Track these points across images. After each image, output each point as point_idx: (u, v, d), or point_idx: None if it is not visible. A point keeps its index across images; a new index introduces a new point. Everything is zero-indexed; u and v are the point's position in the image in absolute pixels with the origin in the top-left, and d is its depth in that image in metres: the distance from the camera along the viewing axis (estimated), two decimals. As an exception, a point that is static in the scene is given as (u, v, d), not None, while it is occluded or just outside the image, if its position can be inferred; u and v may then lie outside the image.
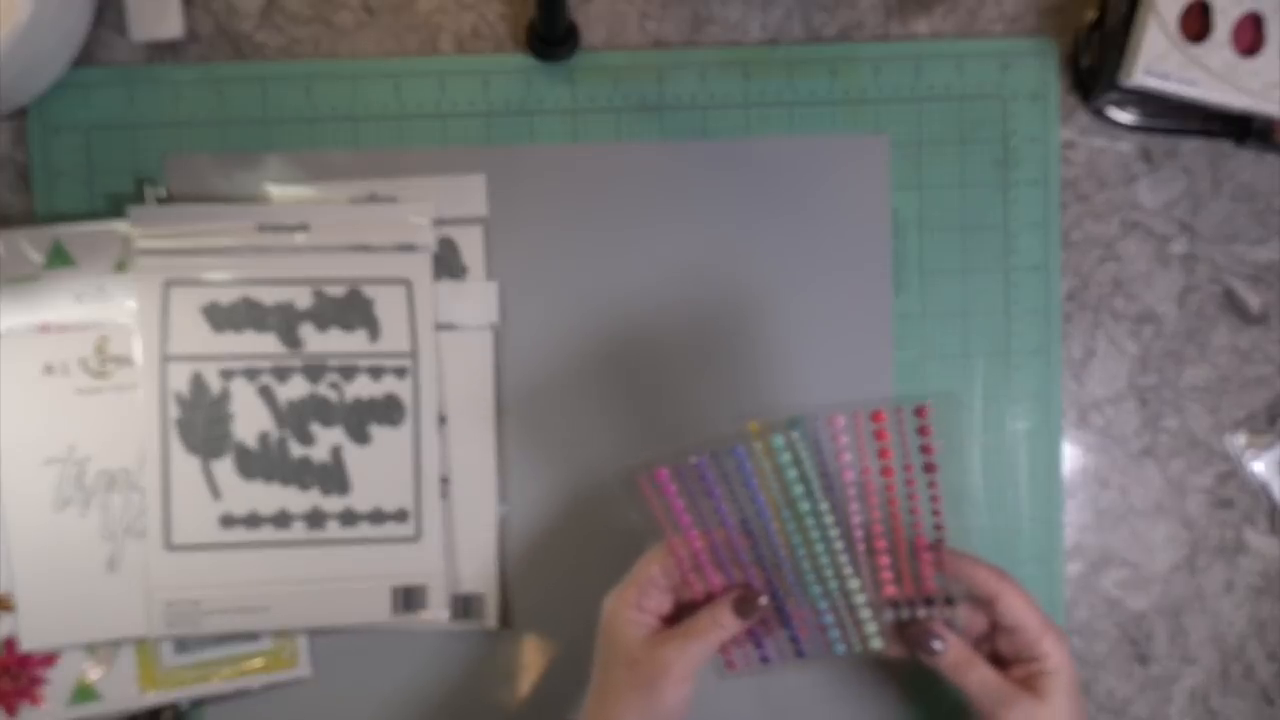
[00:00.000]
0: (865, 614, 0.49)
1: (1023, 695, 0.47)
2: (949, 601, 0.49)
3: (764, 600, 0.49)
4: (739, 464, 0.47)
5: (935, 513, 0.49)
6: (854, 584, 0.49)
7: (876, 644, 0.50)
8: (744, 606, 0.49)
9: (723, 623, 0.49)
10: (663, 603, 0.50)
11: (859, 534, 0.49)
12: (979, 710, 0.48)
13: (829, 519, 0.48)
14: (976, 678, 0.48)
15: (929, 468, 0.48)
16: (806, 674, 0.57)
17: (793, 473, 0.47)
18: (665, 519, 0.49)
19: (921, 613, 0.49)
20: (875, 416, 0.47)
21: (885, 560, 0.49)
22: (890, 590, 0.49)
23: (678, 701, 0.48)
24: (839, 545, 0.48)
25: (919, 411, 0.47)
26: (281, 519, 0.55)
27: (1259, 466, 0.58)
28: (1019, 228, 0.57)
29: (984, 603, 0.49)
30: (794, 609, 0.50)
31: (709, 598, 0.50)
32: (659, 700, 0.47)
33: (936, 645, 0.48)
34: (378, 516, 0.55)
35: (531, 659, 0.57)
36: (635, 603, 0.49)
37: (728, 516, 0.49)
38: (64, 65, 0.55)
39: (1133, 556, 0.58)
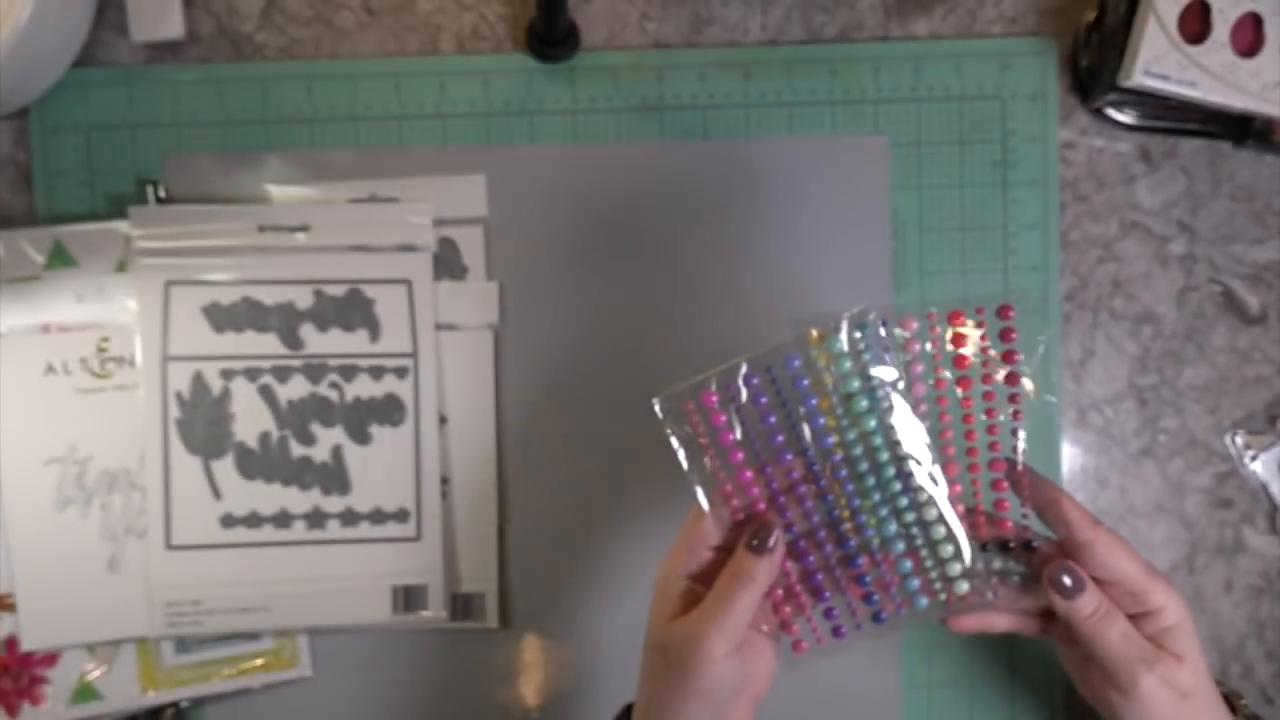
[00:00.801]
0: (948, 550, 0.42)
1: (1164, 655, 0.41)
2: (1028, 546, 0.43)
3: (777, 533, 0.42)
4: (794, 378, 0.41)
5: (1014, 432, 0.42)
6: (932, 513, 0.42)
7: (963, 587, 0.43)
8: (759, 540, 0.41)
9: (747, 570, 0.41)
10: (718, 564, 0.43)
11: (928, 458, 0.42)
12: (1110, 672, 0.42)
13: (899, 435, 0.41)
14: (1119, 632, 0.42)
15: (1011, 378, 0.41)
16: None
17: (855, 383, 0.41)
18: (713, 450, 0.42)
19: (997, 563, 0.43)
20: (954, 318, 0.41)
21: (959, 490, 0.43)
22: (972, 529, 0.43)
23: (725, 683, 0.41)
24: (912, 468, 0.41)
25: (1002, 311, 0.41)
26: (282, 519, 0.55)
27: (1258, 466, 0.58)
28: (1018, 228, 0.57)
29: (1073, 549, 0.42)
30: (865, 559, 0.43)
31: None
32: (697, 685, 0.40)
33: (1067, 581, 0.41)
34: (378, 516, 0.55)
35: (531, 659, 0.57)
36: (684, 568, 0.43)
37: (781, 442, 0.42)
38: (65, 66, 0.55)
39: (1132, 556, 0.58)
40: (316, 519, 0.55)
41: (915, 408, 0.42)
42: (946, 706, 0.57)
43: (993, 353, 0.42)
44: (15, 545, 0.54)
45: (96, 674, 0.55)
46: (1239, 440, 0.58)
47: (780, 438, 0.43)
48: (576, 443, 0.57)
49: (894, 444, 0.42)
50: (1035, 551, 0.43)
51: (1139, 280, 0.58)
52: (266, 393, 0.55)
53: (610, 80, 0.56)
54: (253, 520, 0.55)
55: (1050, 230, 0.57)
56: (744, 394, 0.42)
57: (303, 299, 0.55)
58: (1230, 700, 0.46)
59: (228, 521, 0.55)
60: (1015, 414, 0.42)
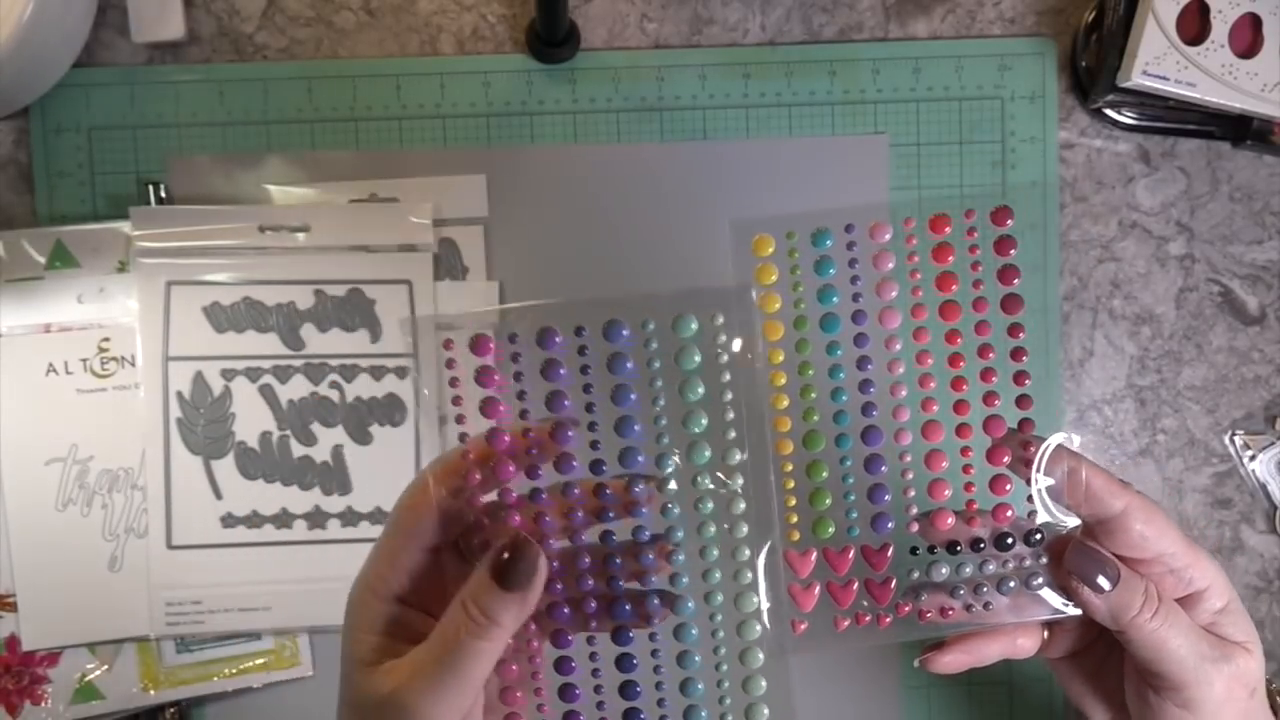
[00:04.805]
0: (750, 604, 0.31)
1: (1232, 648, 0.33)
2: (1032, 539, 0.32)
3: (541, 561, 0.30)
4: (618, 354, 0.32)
5: (1018, 378, 0.32)
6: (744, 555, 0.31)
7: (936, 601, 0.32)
8: (511, 567, 0.29)
9: (487, 609, 0.29)
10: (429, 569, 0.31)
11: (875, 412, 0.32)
12: (1172, 680, 0.33)
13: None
14: (1183, 630, 0.33)
15: (1010, 303, 0.32)
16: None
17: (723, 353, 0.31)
18: (468, 408, 0.32)
19: (991, 567, 0.33)
20: (936, 224, 0.33)
21: (944, 465, 0.34)
22: (945, 522, 0.33)
23: None
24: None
25: (998, 215, 0.33)
26: (283, 519, 0.55)
27: (1257, 466, 0.58)
28: (1017, 228, 0.57)
29: (1102, 526, 0.33)
30: (630, 609, 0.31)
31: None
32: None
33: (1099, 577, 0.32)
34: (379, 516, 0.55)
35: (532, 658, 0.57)
36: (380, 583, 0.32)
37: (568, 409, 0.32)
38: (65, 66, 0.55)
39: (1131, 556, 0.58)
40: (317, 519, 0.55)
41: (887, 344, 0.33)
42: (947, 706, 0.57)
43: (984, 269, 0.33)
44: (16, 545, 0.54)
45: (97, 673, 0.55)
46: (1238, 440, 0.58)
47: (567, 403, 0.32)
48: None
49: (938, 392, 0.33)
50: (1041, 541, 0.33)
51: (1138, 280, 0.58)
52: (267, 393, 0.55)
53: (610, 80, 0.56)
54: (253, 520, 0.55)
55: (1049, 230, 0.57)
56: (536, 354, 0.32)
57: (303, 299, 0.55)
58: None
59: (228, 521, 0.55)
60: (1016, 352, 0.32)
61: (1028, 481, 0.34)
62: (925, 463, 0.35)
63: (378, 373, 0.55)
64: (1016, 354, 0.34)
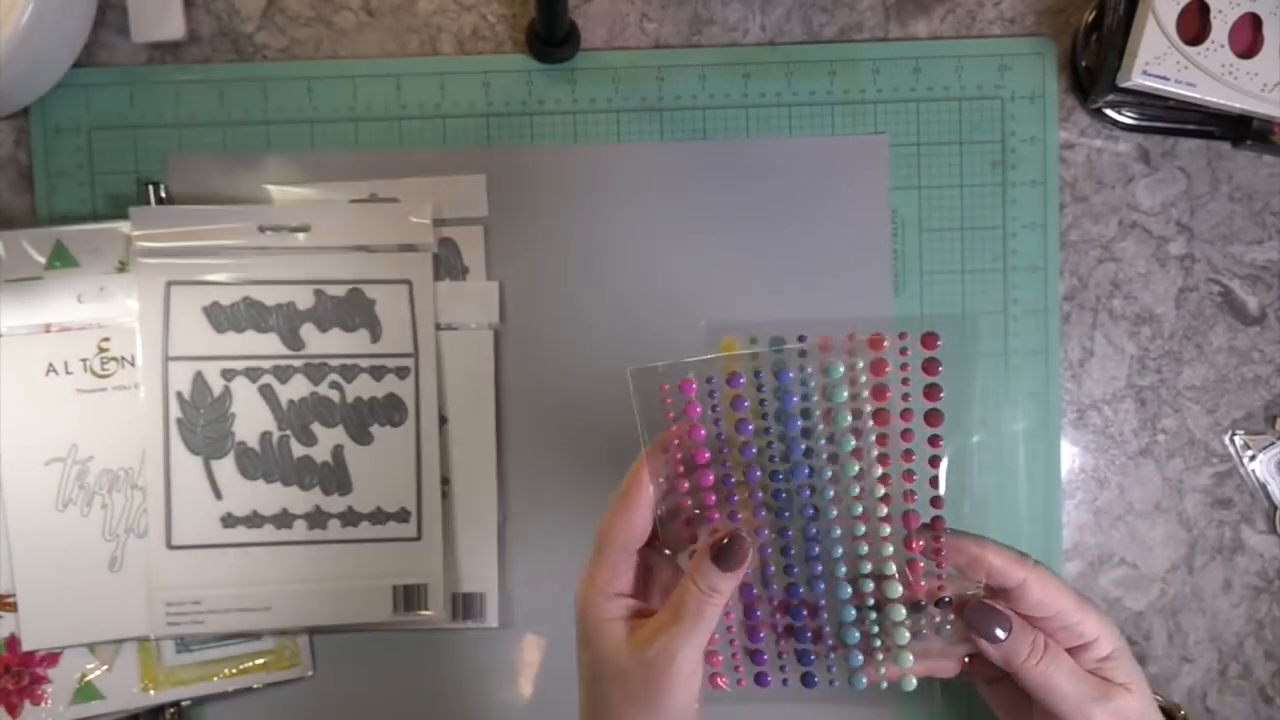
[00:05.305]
0: (899, 615, 0.41)
1: (1113, 688, 0.40)
2: (943, 602, 0.41)
3: (752, 551, 0.39)
4: (785, 390, 0.40)
5: (933, 482, 0.39)
6: (890, 570, 0.40)
7: (906, 659, 0.41)
8: (727, 553, 0.39)
9: (710, 584, 0.39)
10: (634, 574, 0.41)
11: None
12: (1060, 714, 0.41)
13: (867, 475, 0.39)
14: (1067, 671, 0.40)
15: (932, 418, 0.39)
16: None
17: (845, 406, 0.39)
18: (679, 439, 0.40)
19: (911, 621, 0.41)
20: (873, 342, 0.38)
21: (868, 546, 0.41)
22: (877, 590, 0.41)
23: (692, 705, 0.39)
24: (877, 513, 0.39)
25: (926, 339, 0.38)
26: (283, 519, 0.55)
27: (1257, 466, 0.58)
28: (1017, 228, 0.57)
29: (1004, 593, 0.41)
30: (807, 615, 0.41)
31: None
32: (672, 704, 0.38)
33: (996, 631, 0.39)
34: (379, 516, 0.55)
35: (531, 659, 0.57)
36: (608, 586, 0.40)
37: (753, 454, 0.40)
38: (65, 66, 0.55)
39: (1131, 556, 0.58)
40: (317, 519, 0.55)
41: (822, 445, 0.40)
42: (946, 706, 0.57)
43: (913, 386, 0.39)
44: (16, 545, 0.54)
45: (97, 673, 0.55)
46: (1238, 440, 0.58)
47: (753, 450, 0.40)
48: (577, 442, 0.57)
49: (867, 483, 0.40)
50: (949, 604, 0.41)
51: (1138, 280, 0.58)
52: (267, 393, 0.55)
53: (610, 80, 0.56)
54: (253, 520, 0.55)
55: (1049, 230, 0.57)
56: (723, 392, 0.40)
57: (303, 299, 0.55)
58: (1170, 714, 0.46)
59: (228, 521, 0.55)
60: (934, 460, 0.39)
61: (939, 565, 0.41)
62: (855, 541, 0.42)
63: (378, 373, 0.55)
64: (934, 461, 0.40)
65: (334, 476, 0.55)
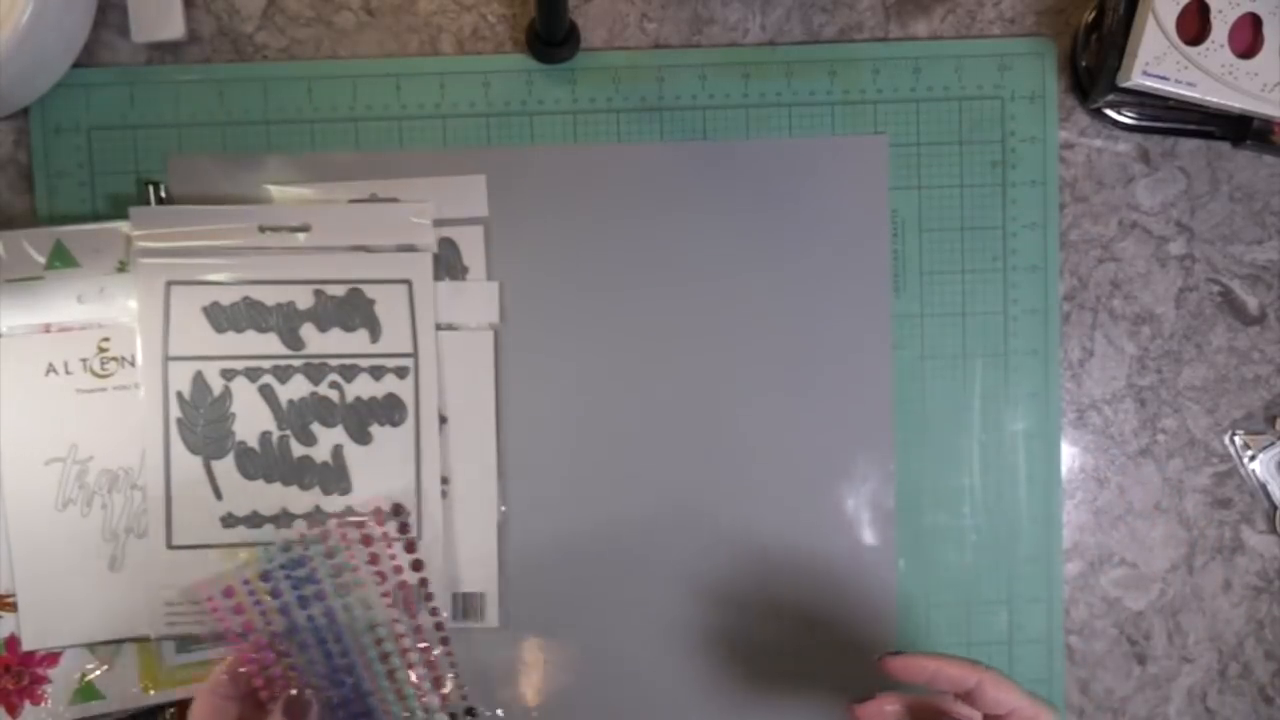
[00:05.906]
0: None
1: None
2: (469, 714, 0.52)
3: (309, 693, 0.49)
4: (303, 579, 0.51)
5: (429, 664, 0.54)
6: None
7: None
8: (293, 705, 0.48)
9: None
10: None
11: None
12: None
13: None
14: None
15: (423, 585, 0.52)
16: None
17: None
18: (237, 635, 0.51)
19: None
20: (358, 523, 0.52)
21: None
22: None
23: None
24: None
25: (397, 509, 0.52)
26: (283, 519, 0.55)
27: (1257, 466, 0.58)
28: (1017, 228, 0.57)
29: (963, 695, 0.45)
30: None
31: None
32: None
33: None
34: (379, 516, 0.55)
35: (531, 659, 0.57)
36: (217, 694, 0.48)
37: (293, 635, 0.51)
38: (65, 66, 0.55)
39: (1131, 556, 0.58)
40: (317, 519, 0.55)
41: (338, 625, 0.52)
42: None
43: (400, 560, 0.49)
44: (16, 545, 0.54)
45: (97, 673, 0.55)
46: (1238, 440, 0.58)
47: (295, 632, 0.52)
48: (577, 442, 0.57)
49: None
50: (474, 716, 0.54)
51: (1138, 280, 0.58)
52: (267, 393, 0.55)
53: (610, 80, 0.57)
54: (254, 520, 0.55)
55: (1049, 230, 0.57)
56: (261, 589, 0.51)
57: (303, 299, 0.55)
58: None
59: (228, 521, 0.55)
60: (443, 642, 0.53)
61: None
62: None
63: (378, 373, 0.55)
64: (444, 642, 0.55)
65: (334, 476, 0.55)
